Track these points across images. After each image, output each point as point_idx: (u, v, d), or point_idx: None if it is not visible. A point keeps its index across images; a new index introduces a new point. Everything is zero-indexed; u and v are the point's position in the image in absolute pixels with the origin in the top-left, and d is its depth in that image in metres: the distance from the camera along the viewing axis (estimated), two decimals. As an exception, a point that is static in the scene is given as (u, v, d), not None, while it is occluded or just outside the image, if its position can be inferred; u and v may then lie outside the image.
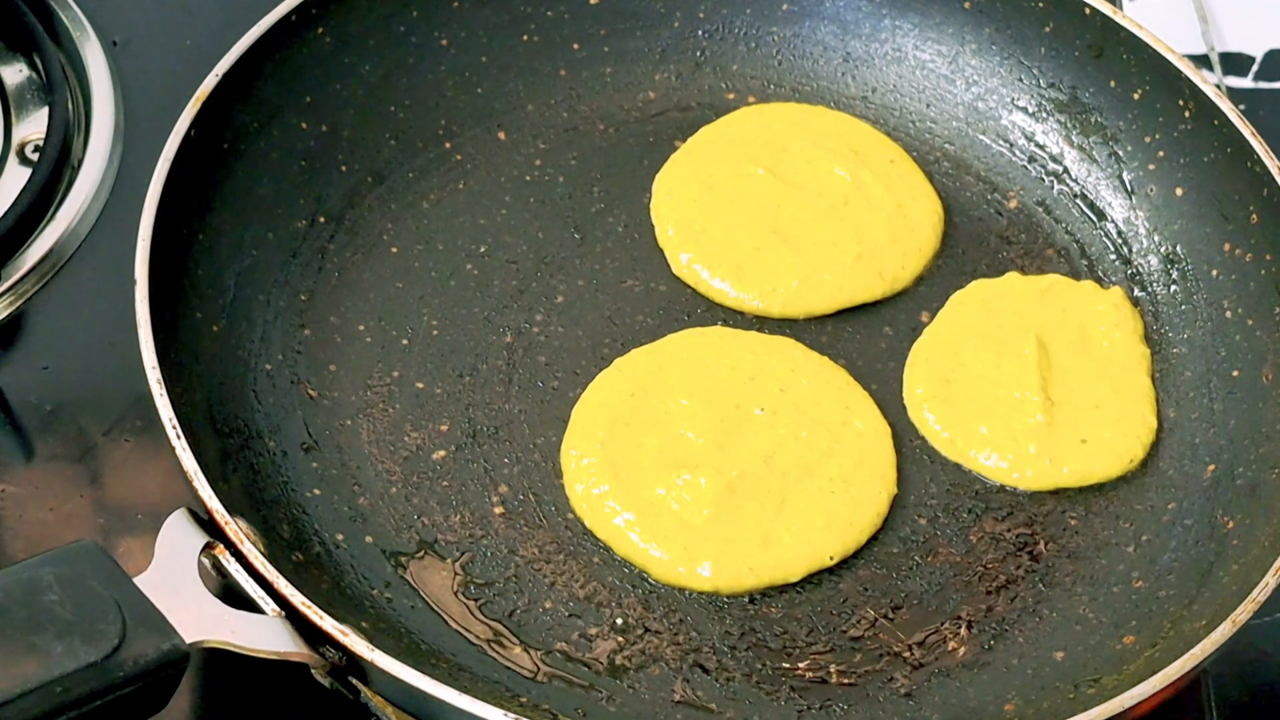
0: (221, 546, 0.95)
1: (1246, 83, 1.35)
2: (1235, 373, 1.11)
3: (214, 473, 0.98)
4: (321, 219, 1.15)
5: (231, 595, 0.94)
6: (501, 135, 1.21)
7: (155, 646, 0.88)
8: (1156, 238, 1.17)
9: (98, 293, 1.16)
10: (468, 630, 1.02)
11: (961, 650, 1.03)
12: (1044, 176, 1.21)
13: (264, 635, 0.93)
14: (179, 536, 0.95)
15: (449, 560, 1.04)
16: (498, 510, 1.06)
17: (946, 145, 1.22)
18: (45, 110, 1.22)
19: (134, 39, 1.28)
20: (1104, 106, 1.19)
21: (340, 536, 1.04)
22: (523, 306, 1.14)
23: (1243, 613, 0.96)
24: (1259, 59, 1.36)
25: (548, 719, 0.98)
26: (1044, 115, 1.21)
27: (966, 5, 1.22)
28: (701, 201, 1.17)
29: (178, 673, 0.89)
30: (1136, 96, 1.18)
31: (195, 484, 0.95)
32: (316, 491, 1.06)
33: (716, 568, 1.03)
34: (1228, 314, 1.13)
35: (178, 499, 1.01)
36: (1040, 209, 1.20)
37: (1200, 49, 1.36)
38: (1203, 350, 1.13)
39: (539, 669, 1.01)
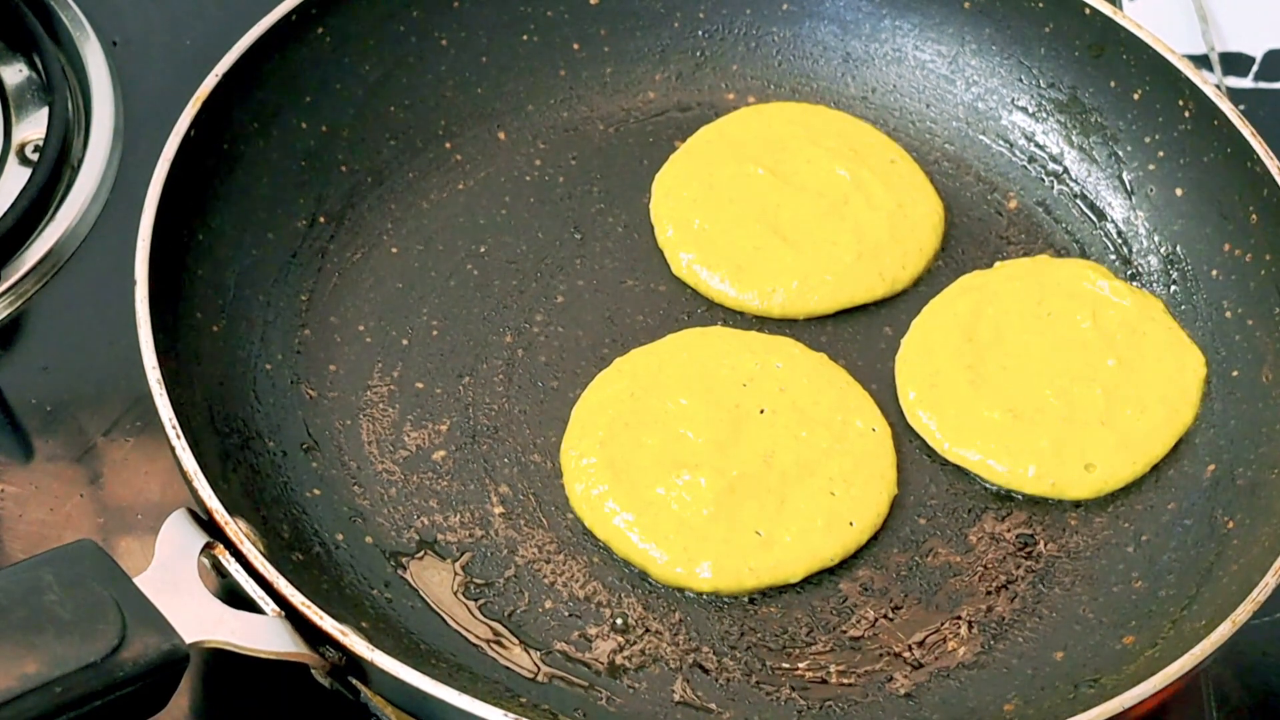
0: (221, 546, 0.95)
1: (1246, 83, 1.35)
2: (1235, 373, 1.11)
3: (214, 473, 0.98)
4: (321, 219, 1.15)
5: (231, 595, 0.94)
6: (501, 135, 1.21)
7: (155, 646, 0.88)
8: (1156, 238, 1.17)
9: (98, 293, 1.16)
10: (468, 630, 1.02)
11: (961, 650, 1.03)
12: (1044, 176, 1.21)
13: (264, 635, 0.93)
14: (179, 536, 0.95)
15: (449, 560, 1.04)
16: (498, 510, 1.06)
17: (946, 145, 1.22)
18: (45, 110, 1.22)
19: (134, 39, 1.28)
20: (1104, 106, 1.19)
21: (340, 536, 1.04)
22: (522, 306, 1.14)
23: (1242, 613, 0.96)
24: (1259, 59, 1.36)
25: (548, 719, 0.98)
26: (1044, 115, 1.21)
27: (966, 5, 1.22)
28: (701, 201, 1.17)
29: (178, 673, 0.89)
30: (1136, 96, 1.18)
31: (195, 484, 0.95)
32: (316, 491, 1.06)
33: (716, 568, 1.03)
34: (1227, 314, 1.13)
35: (178, 499, 1.01)
36: (1040, 209, 1.20)
37: (1200, 49, 1.36)
38: (1202, 350, 1.13)
39: (539, 669, 1.01)
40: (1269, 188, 1.11)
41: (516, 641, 1.02)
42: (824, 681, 1.02)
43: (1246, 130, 1.12)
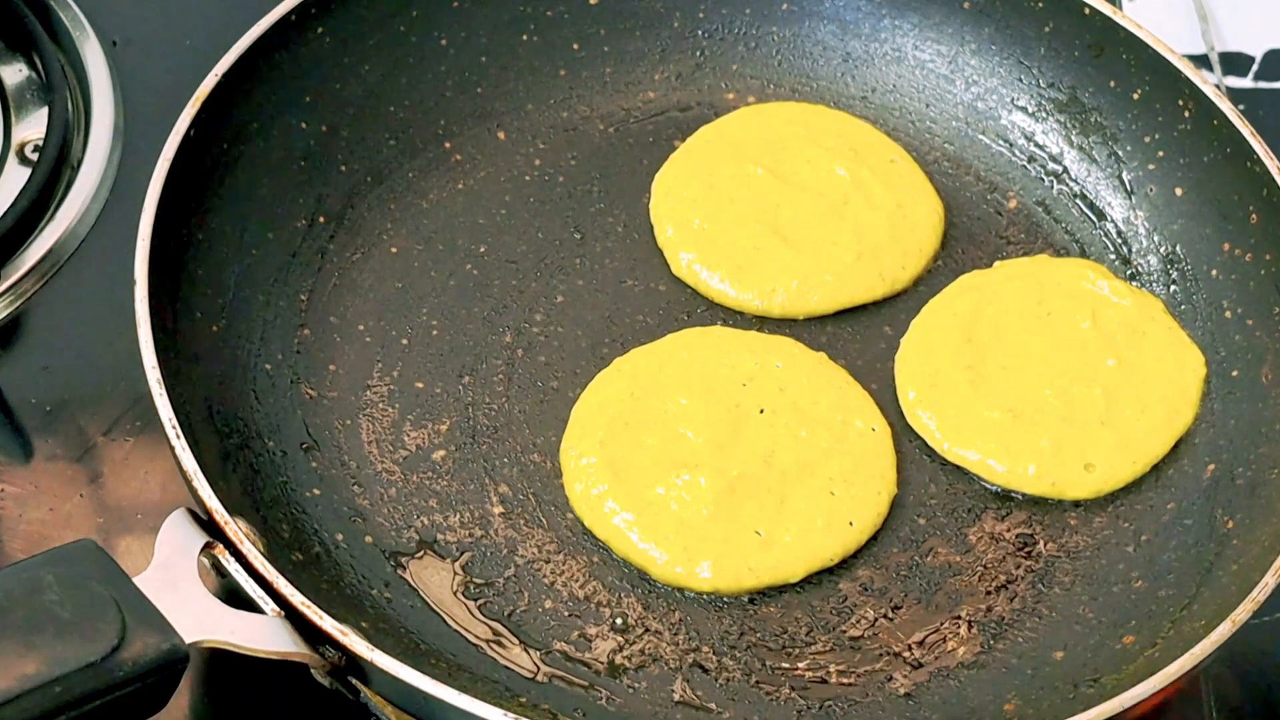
0: (221, 546, 0.95)
1: (1246, 83, 1.35)
2: (1234, 373, 1.11)
3: (214, 473, 0.98)
4: (321, 219, 1.15)
5: (231, 595, 0.94)
6: (501, 135, 1.21)
7: (155, 646, 0.88)
8: (1156, 238, 1.17)
9: (98, 293, 1.16)
10: (467, 630, 1.02)
11: (961, 650, 1.03)
12: (1044, 176, 1.21)
13: (264, 635, 0.93)
14: (179, 536, 0.95)
15: (449, 560, 1.04)
16: (497, 510, 1.06)
17: (946, 145, 1.22)
18: (45, 110, 1.22)
19: (134, 39, 1.28)
20: (1104, 106, 1.19)
21: (340, 536, 1.04)
22: (522, 306, 1.14)
23: (1242, 613, 0.96)
24: (1259, 59, 1.36)
25: (547, 719, 0.98)
26: (1044, 115, 1.21)
27: (966, 5, 1.22)
28: (701, 201, 1.17)
29: (177, 673, 0.89)
30: (1136, 96, 1.18)
31: (195, 484, 0.95)
32: (316, 491, 1.06)
33: (716, 568, 1.03)
34: (1227, 314, 1.13)
35: (178, 499, 1.01)
36: (1040, 209, 1.20)
37: (1200, 49, 1.36)
38: (1202, 350, 1.13)
39: (539, 669, 1.01)
40: (1269, 188, 1.11)
41: (516, 641, 1.02)
42: (824, 681, 1.02)
43: (1246, 130, 1.12)
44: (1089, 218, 1.19)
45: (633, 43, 1.24)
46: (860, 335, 1.14)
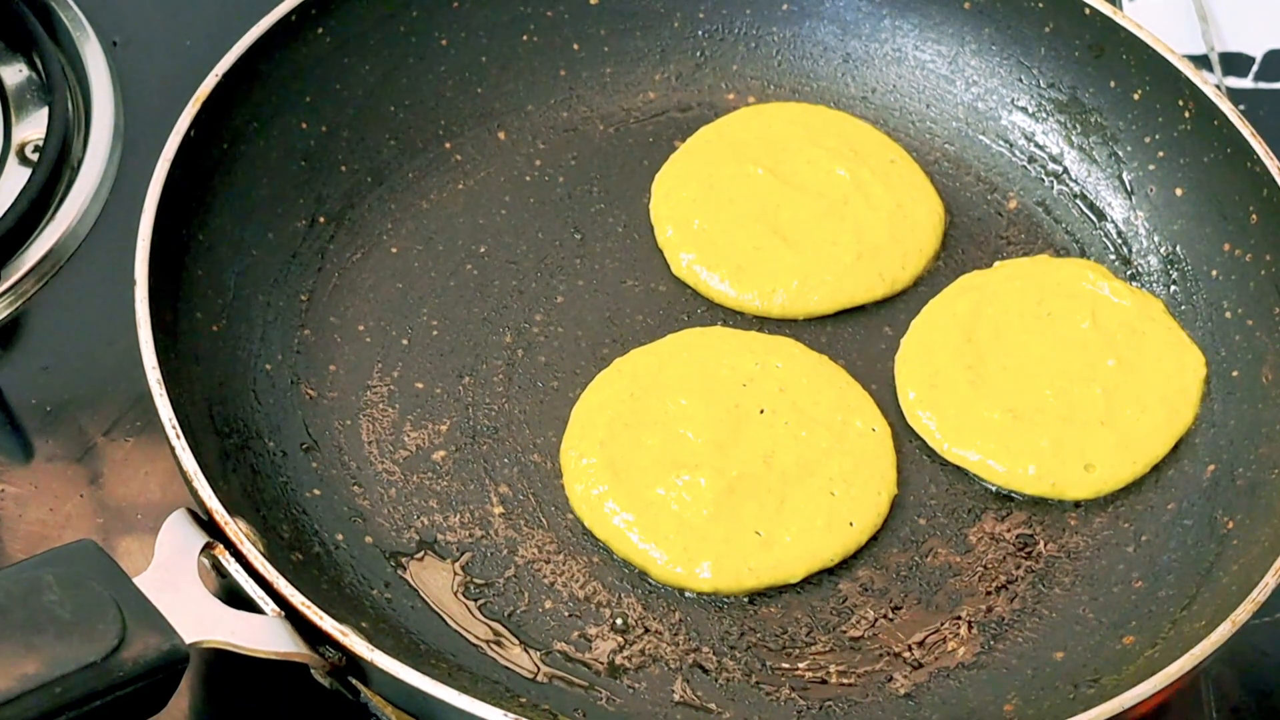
0: (221, 546, 0.95)
1: (1246, 83, 1.35)
2: (1235, 373, 1.11)
3: (214, 473, 0.98)
4: (321, 219, 1.15)
5: (231, 595, 0.94)
6: (501, 135, 1.21)
7: (155, 646, 0.88)
8: (1156, 238, 1.17)
9: (98, 293, 1.16)
10: (467, 630, 1.02)
11: (961, 650, 1.03)
12: (1044, 177, 1.21)
13: (264, 635, 0.93)
14: (179, 536, 0.95)
15: (449, 560, 1.04)
16: (498, 510, 1.06)
17: (946, 145, 1.22)
18: (45, 110, 1.22)
19: (134, 39, 1.28)
20: (1104, 106, 1.19)
21: (340, 536, 1.04)
22: (522, 306, 1.14)
23: (1242, 613, 0.96)
24: (1259, 59, 1.36)
25: (547, 719, 0.98)
26: (1044, 115, 1.21)
27: (966, 5, 1.22)
28: (701, 202, 1.17)
29: (177, 673, 0.89)
30: (1136, 96, 1.18)
31: (195, 484, 0.95)
32: (316, 491, 1.06)
33: (716, 568, 1.03)
34: (1227, 314, 1.13)
35: (178, 499, 1.01)
36: (1040, 209, 1.20)
37: (1200, 49, 1.36)
38: (1202, 350, 1.13)
39: (539, 669, 1.01)
40: (1269, 188, 1.11)
41: (516, 641, 1.02)
42: (824, 681, 1.02)
43: (1246, 130, 1.12)
44: (1089, 218, 1.19)
45: (633, 43, 1.24)
46: (860, 335, 1.14)
